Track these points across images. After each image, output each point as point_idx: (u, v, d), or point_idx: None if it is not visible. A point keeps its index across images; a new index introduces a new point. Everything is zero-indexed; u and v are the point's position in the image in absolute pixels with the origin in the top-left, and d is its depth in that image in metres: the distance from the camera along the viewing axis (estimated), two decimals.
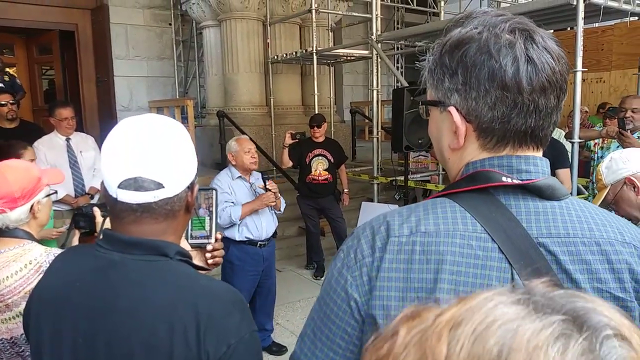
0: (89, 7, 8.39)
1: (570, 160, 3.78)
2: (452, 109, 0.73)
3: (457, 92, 0.72)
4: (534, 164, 0.73)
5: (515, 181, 0.71)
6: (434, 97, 0.77)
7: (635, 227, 0.76)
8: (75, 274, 0.96)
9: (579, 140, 3.70)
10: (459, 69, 0.71)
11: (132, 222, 0.93)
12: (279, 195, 3.61)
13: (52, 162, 3.84)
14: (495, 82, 0.68)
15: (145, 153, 0.90)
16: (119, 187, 0.90)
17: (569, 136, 4.14)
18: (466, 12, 0.76)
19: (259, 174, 3.61)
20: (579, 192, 3.87)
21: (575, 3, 3.53)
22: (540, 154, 0.75)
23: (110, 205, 0.95)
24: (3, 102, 4.30)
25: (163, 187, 0.91)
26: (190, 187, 0.98)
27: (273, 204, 3.45)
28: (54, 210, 3.54)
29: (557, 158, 3.73)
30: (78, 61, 8.54)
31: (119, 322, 0.88)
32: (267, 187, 3.47)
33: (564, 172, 3.75)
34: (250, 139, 6.40)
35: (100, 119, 8.54)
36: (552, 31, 7.29)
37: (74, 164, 3.98)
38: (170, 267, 0.93)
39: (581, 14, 3.50)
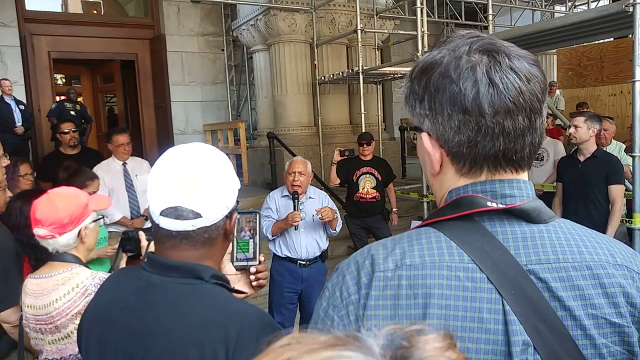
0: (148, 37, 8.87)
1: (632, 175, 3.55)
2: (424, 135, 0.73)
3: (427, 118, 0.72)
4: (517, 187, 0.71)
5: (501, 205, 0.69)
6: (414, 124, 0.77)
7: (626, 247, 0.73)
8: (119, 295, 1.01)
9: None
10: (425, 94, 0.71)
11: (171, 247, 0.98)
12: (336, 214, 3.58)
13: (109, 186, 4.04)
14: (456, 106, 0.67)
15: (186, 184, 0.95)
16: (160, 214, 0.96)
17: (629, 150, 3.90)
18: (445, 36, 0.76)
19: (308, 194, 3.61)
20: None
21: (631, 10, 3.35)
22: (522, 176, 0.73)
23: (153, 230, 1.01)
24: (66, 130, 4.59)
25: (201, 216, 0.95)
26: (229, 216, 1.02)
27: (296, 223, 3.39)
28: (111, 231, 3.72)
29: (610, 173, 3.56)
30: (138, 88, 9.02)
31: (154, 342, 0.92)
32: (299, 208, 3.44)
33: (616, 189, 3.56)
34: None
35: (158, 143, 8.94)
36: (612, 39, 6.97)
37: (130, 187, 4.16)
38: (204, 290, 0.96)
39: (638, 21, 3.32)
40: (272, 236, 3.50)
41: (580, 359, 0.63)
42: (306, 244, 3.53)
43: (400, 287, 0.67)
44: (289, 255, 3.52)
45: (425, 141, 0.72)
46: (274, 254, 3.56)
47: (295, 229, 3.47)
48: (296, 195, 3.46)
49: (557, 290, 0.65)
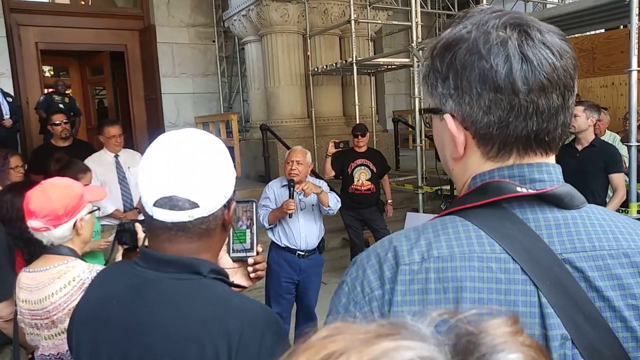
0: (137, 28, 8.75)
1: (628, 165, 3.57)
2: (447, 117, 0.68)
3: (451, 98, 0.67)
4: (547, 171, 0.67)
5: (532, 191, 0.65)
6: (431, 105, 0.72)
7: None
8: (112, 291, 0.96)
9: (637, 144, 3.49)
10: (449, 72, 0.66)
11: (167, 240, 0.92)
12: (323, 189, 3.52)
13: (101, 178, 3.97)
14: (487, 84, 0.63)
15: (181, 172, 0.89)
16: (154, 205, 0.90)
17: (625, 140, 3.91)
18: (463, 12, 0.70)
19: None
20: (639, 199, 3.64)
21: (627, 0, 3.34)
22: (551, 159, 0.69)
23: (147, 222, 0.95)
24: (57, 122, 4.52)
25: (198, 206, 0.90)
26: (227, 206, 0.96)
27: (291, 211, 3.37)
28: (104, 224, 3.66)
29: (610, 163, 3.58)
30: (128, 80, 8.91)
31: (151, 340, 0.87)
32: (296, 190, 3.44)
33: (617, 177, 3.58)
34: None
35: (149, 136, 8.84)
36: (603, 30, 6.98)
37: (122, 179, 4.10)
38: (203, 286, 0.91)
39: (635, 10, 3.32)
40: (269, 225, 3.48)
41: (620, 353, 0.60)
42: (305, 234, 3.51)
43: (429, 280, 0.62)
44: (288, 245, 3.50)
45: (449, 123, 0.67)
46: (273, 242, 3.54)
47: (290, 217, 3.43)
48: (292, 183, 3.45)
49: (594, 280, 0.62)
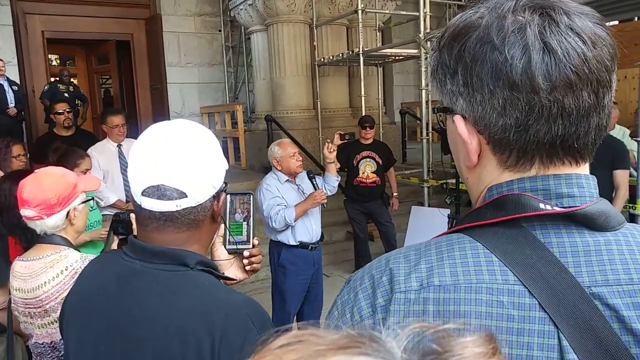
0: (143, 17, 8.71)
1: (636, 159, 3.49)
2: (457, 118, 0.59)
3: (461, 96, 0.57)
4: (578, 184, 0.57)
5: (558, 209, 0.55)
6: (443, 103, 0.62)
7: None
8: (100, 282, 0.96)
9: None
10: (458, 66, 0.57)
11: (154, 230, 0.91)
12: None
13: (104, 168, 3.97)
14: (500, 80, 0.54)
15: (170, 161, 0.88)
16: (142, 194, 0.90)
17: (634, 134, 3.83)
18: None
19: (304, 174, 3.57)
20: None
21: None
22: (583, 169, 0.58)
23: (135, 212, 0.95)
24: (60, 111, 4.50)
25: (186, 196, 0.89)
26: (216, 197, 0.95)
27: (325, 201, 3.40)
28: (105, 214, 3.64)
29: (616, 158, 3.49)
30: (133, 69, 8.90)
31: (136, 332, 0.87)
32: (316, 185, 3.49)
33: (621, 174, 3.50)
34: (297, 142, 6.46)
35: None
36: (616, 22, 6.84)
37: (125, 169, 4.07)
38: (189, 278, 0.90)
39: None
40: (295, 221, 3.36)
41: None
42: (315, 225, 3.49)
43: (426, 313, 0.54)
44: (304, 240, 3.42)
45: (460, 125, 0.58)
46: (282, 243, 3.42)
47: (324, 206, 3.47)
48: (311, 174, 3.50)
49: (630, 320, 0.51)
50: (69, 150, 3.17)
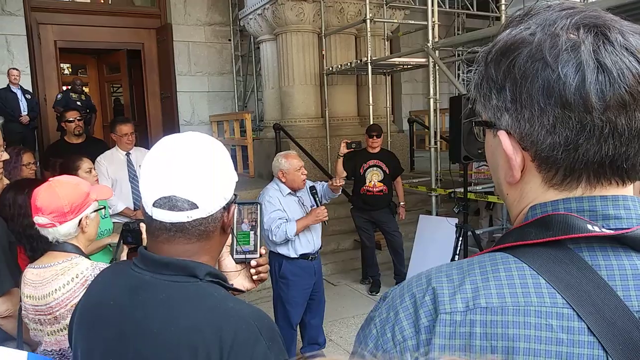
0: (154, 26, 8.81)
1: None
2: (501, 134, 0.58)
3: (507, 112, 0.57)
4: (624, 206, 0.55)
5: (608, 231, 0.53)
6: (483, 117, 0.62)
7: None
8: (110, 293, 0.97)
9: None
10: (506, 82, 0.56)
11: (165, 241, 0.92)
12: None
13: (113, 176, 3.99)
14: (552, 98, 0.53)
15: (181, 172, 0.89)
16: (154, 205, 0.90)
17: None
18: (526, 9, 0.59)
19: (306, 187, 3.58)
20: None
21: None
22: (628, 190, 0.57)
23: (146, 223, 0.95)
24: (71, 119, 4.55)
25: (197, 207, 0.90)
26: (227, 208, 0.96)
27: (326, 219, 3.41)
28: (114, 222, 3.67)
29: None
30: (144, 78, 8.98)
31: (145, 343, 0.87)
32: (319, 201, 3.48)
33: None
34: (304, 151, 6.47)
35: (164, 134, 8.66)
36: None
37: (133, 177, 4.10)
38: (198, 289, 0.90)
39: None
40: (295, 235, 3.36)
41: None
42: (316, 237, 3.51)
43: (474, 336, 0.53)
44: (305, 251, 3.43)
45: (504, 141, 0.57)
46: (283, 255, 3.42)
47: (326, 224, 3.47)
48: (314, 191, 3.46)
49: None
50: (67, 161, 3.21)
